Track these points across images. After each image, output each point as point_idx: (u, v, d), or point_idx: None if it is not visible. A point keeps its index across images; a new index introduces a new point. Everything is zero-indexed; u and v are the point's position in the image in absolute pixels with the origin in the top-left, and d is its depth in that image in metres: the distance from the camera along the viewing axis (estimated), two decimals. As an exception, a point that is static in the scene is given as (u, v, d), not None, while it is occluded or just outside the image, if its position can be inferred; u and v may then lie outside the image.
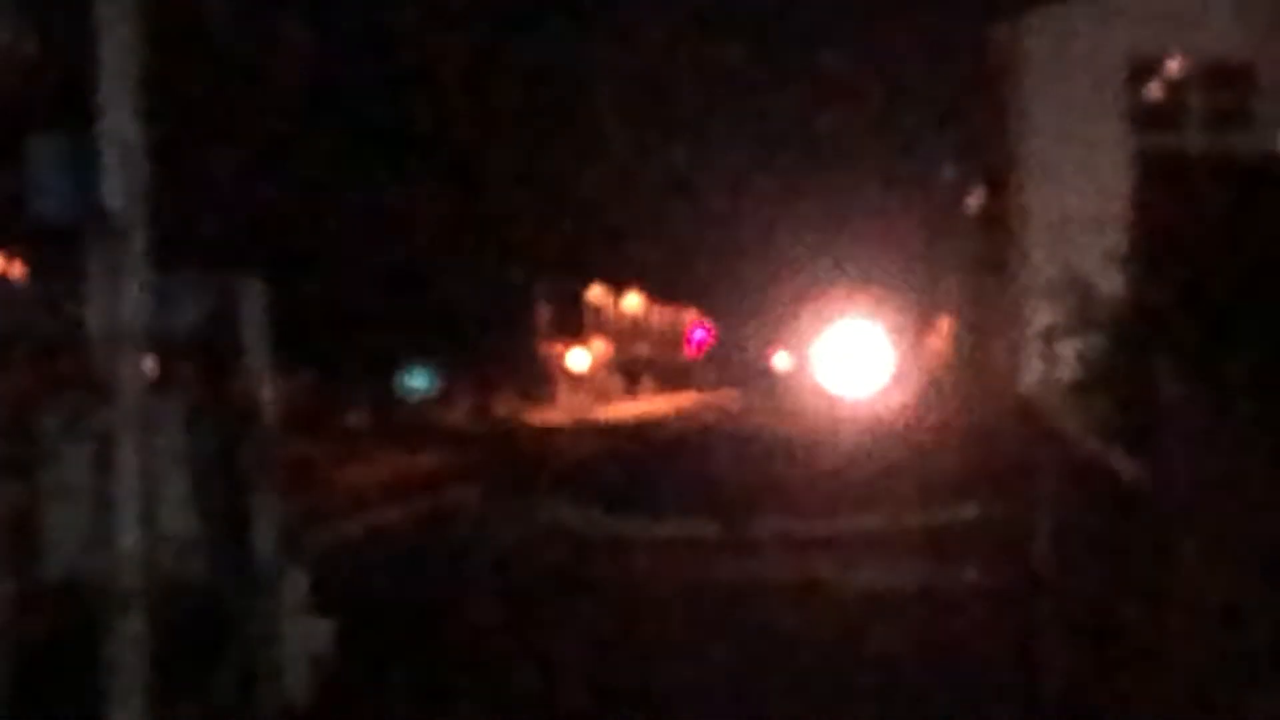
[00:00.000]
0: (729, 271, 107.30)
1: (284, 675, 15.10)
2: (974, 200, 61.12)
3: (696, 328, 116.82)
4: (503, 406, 75.12)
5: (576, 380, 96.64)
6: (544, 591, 24.17)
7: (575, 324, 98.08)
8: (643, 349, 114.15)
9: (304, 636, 15.37)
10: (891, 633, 21.11)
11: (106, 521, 13.03)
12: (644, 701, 17.89)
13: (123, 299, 12.69)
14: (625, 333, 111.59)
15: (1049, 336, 34.98)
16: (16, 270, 38.75)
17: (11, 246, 36.32)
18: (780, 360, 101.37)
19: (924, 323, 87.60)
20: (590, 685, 18.29)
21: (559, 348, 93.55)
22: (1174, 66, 47.69)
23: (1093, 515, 22.82)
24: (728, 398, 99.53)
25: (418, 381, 69.59)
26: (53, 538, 14.56)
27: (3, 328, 16.23)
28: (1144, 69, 47.80)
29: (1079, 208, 45.00)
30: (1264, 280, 24.00)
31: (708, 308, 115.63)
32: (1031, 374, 42.33)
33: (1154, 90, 47.57)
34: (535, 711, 17.50)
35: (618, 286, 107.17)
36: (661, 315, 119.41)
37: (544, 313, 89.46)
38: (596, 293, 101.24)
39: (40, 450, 14.76)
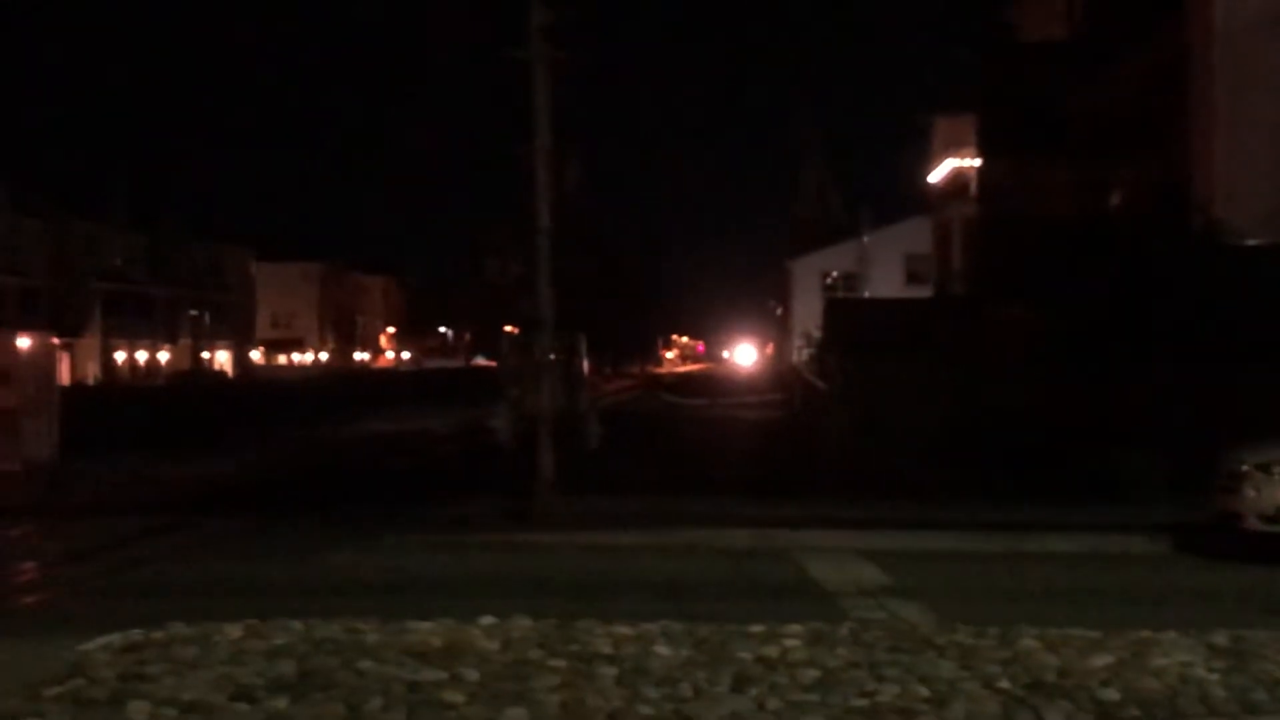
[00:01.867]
0: (712, 329, 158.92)
1: (590, 440, 24.19)
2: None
3: (699, 346, 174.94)
4: (643, 369, 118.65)
5: (668, 361, 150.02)
6: (663, 419, 53.25)
7: (668, 343, 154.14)
8: (685, 353, 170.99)
9: (596, 429, 24.49)
10: (752, 423, 51.41)
11: (537, 395, 22.99)
12: (694, 440, 42.56)
13: (542, 341, 22.91)
14: (681, 347, 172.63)
15: (801, 351, 65.80)
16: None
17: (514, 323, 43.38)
18: (727, 355, 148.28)
19: (764, 347, 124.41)
20: (684, 440, 42.91)
21: (664, 351, 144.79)
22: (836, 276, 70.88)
23: (812, 401, 47.53)
24: (711, 368, 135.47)
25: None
26: (525, 400, 23.53)
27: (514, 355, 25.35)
28: (831, 280, 71.62)
29: (813, 318, 59.97)
30: (879, 336, 34.60)
31: (706, 340, 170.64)
32: (798, 361, 67.20)
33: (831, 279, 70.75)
34: (673, 450, 36.82)
35: (679, 332, 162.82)
36: (692, 342, 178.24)
37: (661, 340, 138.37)
38: (675, 335, 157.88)
39: (526, 377, 23.74)
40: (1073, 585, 14.99)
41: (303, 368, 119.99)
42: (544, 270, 22.47)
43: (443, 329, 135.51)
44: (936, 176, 52.95)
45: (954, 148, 49.20)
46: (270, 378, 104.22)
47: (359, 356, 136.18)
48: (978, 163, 43.64)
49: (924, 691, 8.52)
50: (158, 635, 10.41)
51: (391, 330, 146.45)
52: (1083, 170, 34.11)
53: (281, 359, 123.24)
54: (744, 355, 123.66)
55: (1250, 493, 16.61)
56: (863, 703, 8.34)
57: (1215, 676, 8.92)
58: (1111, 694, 8.49)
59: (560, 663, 9.36)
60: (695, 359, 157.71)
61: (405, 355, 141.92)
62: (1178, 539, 17.87)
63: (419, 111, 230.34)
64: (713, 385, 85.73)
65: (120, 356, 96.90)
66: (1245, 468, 16.79)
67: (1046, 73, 35.88)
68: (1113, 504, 20.85)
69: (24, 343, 37.67)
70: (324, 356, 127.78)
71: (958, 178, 49.63)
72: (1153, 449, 22.39)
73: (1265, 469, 16.66)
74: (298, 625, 10.67)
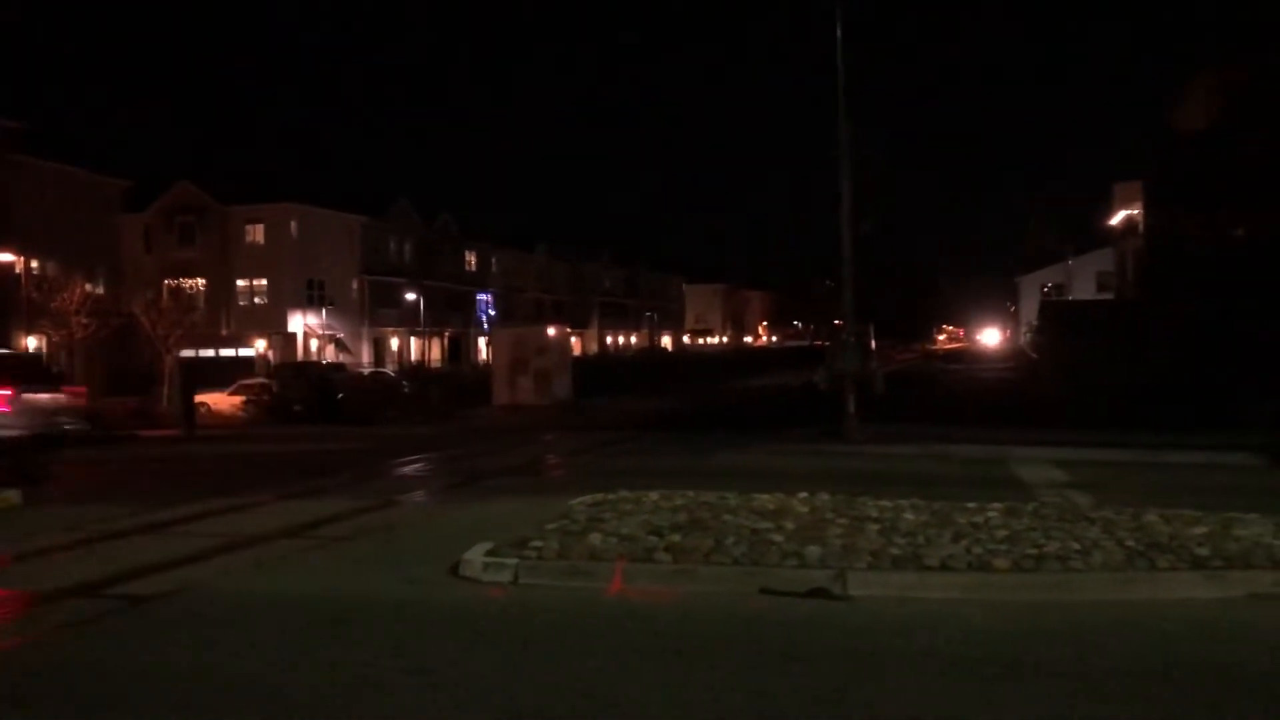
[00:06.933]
0: (968, 321, 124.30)
1: (876, 389, 21.77)
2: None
3: (960, 331, 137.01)
4: (923, 346, 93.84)
5: (939, 342, 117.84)
6: (932, 377, 51.07)
7: (940, 330, 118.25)
8: (951, 336, 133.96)
9: (880, 382, 22.02)
10: (990, 380, 50.66)
11: (843, 361, 21.22)
12: (950, 390, 42.08)
13: (848, 329, 21.47)
14: (948, 332, 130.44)
15: (1025, 335, 60.07)
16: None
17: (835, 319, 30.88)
18: (978, 337, 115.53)
19: (1002, 332, 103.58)
20: (943, 389, 40.49)
21: (937, 335, 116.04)
22: (1050, 286, 77.61)
23: (1031, 367, 46.61)
24: (967, 346, 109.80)
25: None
26: (835, 365, 21.52)
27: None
28: (1046, 289, 76.61)
29: (1034, 313, 57.38)
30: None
31: (965, 327, 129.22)
32: (1023, 342, 66.89)
33: (1046, 289, 71.86)
34: (934, 395, 35.13)
35: (947, 323, 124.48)
36: (956, 329, 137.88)
37: (935, 327, 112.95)
38: (944, 324, 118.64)
39: (836, 350, 21.78)
40: (1190, 483, 13.63)
41: (711, 346, 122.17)
42: (847, 285, 21.74)
43: (795, 322, 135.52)
44: (1115, 220, 51.47)
45: (1127, 202, 48.52)
46: (693, 353, 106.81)
47: (745, 339, 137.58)
48: (1142, 212, 41.59)
49: (1075, 546, 8.10)
50: (611, 496, 10.87)
51: (765, 323, 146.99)
52: (1215, 216, 31.37)
53: (700, 341, 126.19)
54: (988, 338, 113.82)
55: None
56: (1034, 551, 7.99)
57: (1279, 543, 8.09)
58: (1204, 551, 7.90)
59: (844, 520, 9.26)
60: (957, 340, 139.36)
61: (773, 338, 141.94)
62: (1271, 457, 16.11)
63: (780, 188, 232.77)
64: (967, 356, 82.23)
65: (608, 340, 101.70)
66: None
67: (1192, 153, 33.42)
68: (1229, 432, 19.05)
69: (552, 331, 40.28)
70: (724, 340, 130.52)
71: (1129, 222, 48.71)
72: (1257, 396, 20.85)
73: None
74: (690, 493, 10.93)
